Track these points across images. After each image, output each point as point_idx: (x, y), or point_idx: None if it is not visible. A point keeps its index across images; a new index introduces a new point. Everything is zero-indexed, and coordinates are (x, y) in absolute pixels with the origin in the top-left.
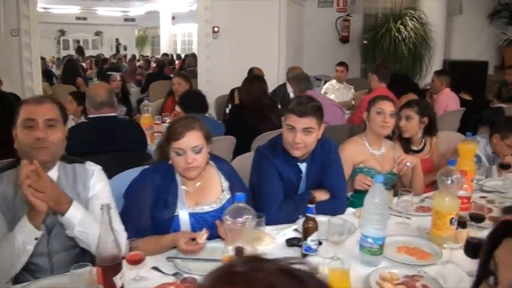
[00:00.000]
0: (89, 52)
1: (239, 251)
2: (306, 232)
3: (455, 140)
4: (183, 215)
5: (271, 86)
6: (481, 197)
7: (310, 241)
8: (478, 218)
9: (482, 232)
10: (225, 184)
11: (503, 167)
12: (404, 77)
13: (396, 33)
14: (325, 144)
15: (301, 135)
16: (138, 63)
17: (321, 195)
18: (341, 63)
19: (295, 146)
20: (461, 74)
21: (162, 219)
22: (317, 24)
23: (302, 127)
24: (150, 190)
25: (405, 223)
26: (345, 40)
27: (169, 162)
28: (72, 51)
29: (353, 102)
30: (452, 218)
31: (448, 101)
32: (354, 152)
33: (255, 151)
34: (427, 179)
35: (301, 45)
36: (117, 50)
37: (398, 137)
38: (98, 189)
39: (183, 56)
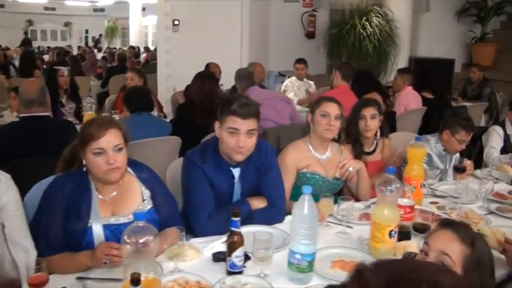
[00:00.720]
0: (57, 43)
1: (135, 279)
2: (230, 247)
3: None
4: (96, 226)
5: (232, 81)
6: (432, 203)
7: (235, 257)
8: (422, 229)
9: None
10: (146, 193)
11: (458, 170)
12: (369, 74)
13: (361, 30)
14: (261, 148)
15: (245, 138)
16: (102, 55)
17: (258, 203)
18: (300, 60)
19: (239, 150)
20: (427, 72)
21: (74, 231)
22: (283, 19)
23: (246, 129)
24: (61, 198)
25: (345, 233)
26: (310, 36)
27: (84, 169)
28: (40, 42)
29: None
30: (392, 230)
31: (409, 100)
32: (297, 157)
33: (184, 156)
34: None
35: (266, 40)
36: (86, 42)
37: (353, 140)
38: (4, 201)
39: (152, 48)
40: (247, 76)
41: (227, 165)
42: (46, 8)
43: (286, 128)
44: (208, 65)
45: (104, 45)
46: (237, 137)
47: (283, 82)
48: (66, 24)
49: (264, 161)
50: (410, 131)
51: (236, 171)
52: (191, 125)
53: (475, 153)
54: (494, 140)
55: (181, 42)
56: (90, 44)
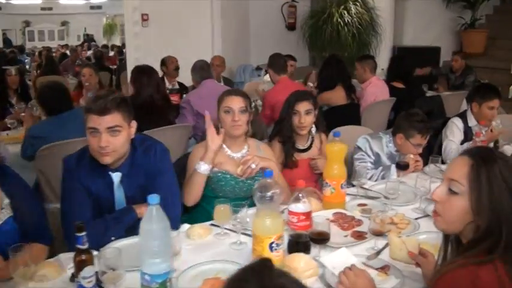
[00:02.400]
0: (55, 43)
1: None
2: (77, 267)
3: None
4: None
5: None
6: (360, 205)
7: (82, 278)
8: (320, 239)
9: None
10: (6, 201)
11: (400, 167)
12: (336, 59)
13: (339, 19)
14: (149, 150)
15: (106, 137)
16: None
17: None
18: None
19: (102, 151)
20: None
21: None
22: (263, 10)
23: (106, 127)
24: None
25: (240, 243)
26: (291, 27)
27: None
28: (37, 42)
29: None
30: (273, 243)
31: (376, 94)
32: None
33: None
34: None
35: (247, 33)
36: (85, 41)
37: (285, 137)
38: None
39: None
40: (201, 68)
41: (105, 169)
42: (43, 8)
43: None
44: (163, 60)
45: (102, 43)
46: (98, 137)
47: (259, 76)
48: (64, 23)
49: (153, 164)
50: (377, 124)
51: (116, 176)
52: None
53: (436, 147)
54: (453, 133)
55: (151, 37)
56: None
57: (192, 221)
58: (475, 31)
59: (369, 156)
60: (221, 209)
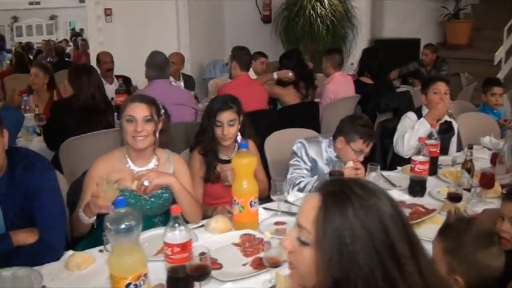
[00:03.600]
0: (43, 38)
1: None
2: None
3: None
4: None
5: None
6: (277, 223)
7: None
8: (198, 276)
9: None
10: None
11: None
12: (296, 52)
13: (311, 11)
14: (28, 167)
15: None
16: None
17: (24, 237)
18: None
19: None
20: (390, 54)
21: None
22: (238, 3)
23: None
24: None
25: None
26: (267, 20)
27: None
28: (25, 38)
29: None
30: (130, 284)
31: (337, 91)
32: (106, 169)
33: None
34: None
35: (221, 26)
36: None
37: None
38: None
39: None
40: (158, 65)
41: None
42: (31, 3)
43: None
44: (98, 56)
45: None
46: None
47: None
48: (52, 17)
49: (30, 182)
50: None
51: None
52: (62, 128)
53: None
54: (404, 126)
55: (115, 33)
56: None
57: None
58: (459, 22)
59: (304, 162)
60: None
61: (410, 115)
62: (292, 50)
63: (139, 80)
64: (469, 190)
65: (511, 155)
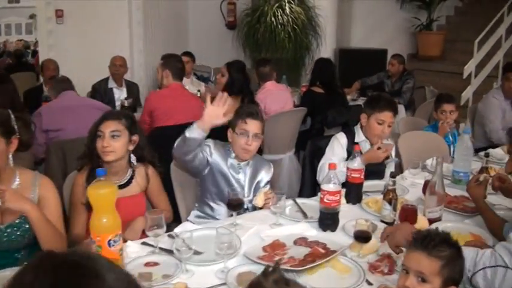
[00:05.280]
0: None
1: None
2: None
3: None
4: None
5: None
6: (147, 265)
7: None
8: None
9: None
10: None
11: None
12: (238, 63)
13: (272, 18)
14: None
15: None
16: None
17: None
18: (185, 53)
19: None
20: (356, 65)
21: None
22: (202, 8)
23: None
24: None
25: None
26: (231, 26)
27: None
28: (3, 37)
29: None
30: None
31: (265, 100)
32: None
33: None
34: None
35: (185, 33)
36: None
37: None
38: None
39: None
40: (61, 81)
41: None
42: (10, 1)
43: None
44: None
45: None
46: None
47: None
48: (32, 16)
49: None
50: (282, 136)
51: None
52: None
53: None
54: (332, 150)
55: (67, 35)
56: None
57: None
58: (431, 33)
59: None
60: None
61: (340, 137)
62: (237, 63)
63: (89, 83)
64: (391, 224)
65: (442, 184)
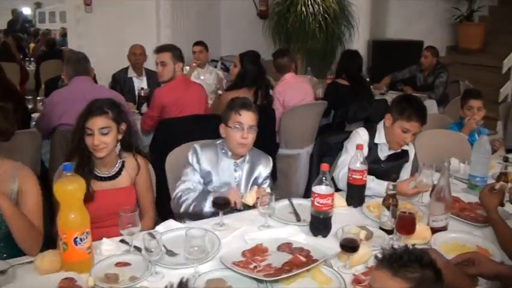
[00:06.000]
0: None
1: None
2: None
3: None
4: None
5: (149, 65)
6: (118, 264)
7: None
8: None
9: None
10: None
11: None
12: (252, 52)
13: (303, 7)
14: None
15: None
16: None
17: None
18: (198, 43)
19: None
20: (390, 57)
21: None
22: None
23: None
24: None
25: None
26: (263, 15)
27: None
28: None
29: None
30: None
31: (283, 93)
32: None
33: None
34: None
35: (217, 21)
36: None
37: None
38: None
39: None
40: (77, 61)
41: None
42: None
43: None
44: None
45: None
46: None
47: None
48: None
49: None
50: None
51: None
52: None
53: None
54: (354, 146)
55: (95, 23)
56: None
57: None
58: (472, 24)
59: (196, 171)
60: None
61: (362, 132)
62: (251, 53)
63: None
64: (390, 232)
65: (449, 189)
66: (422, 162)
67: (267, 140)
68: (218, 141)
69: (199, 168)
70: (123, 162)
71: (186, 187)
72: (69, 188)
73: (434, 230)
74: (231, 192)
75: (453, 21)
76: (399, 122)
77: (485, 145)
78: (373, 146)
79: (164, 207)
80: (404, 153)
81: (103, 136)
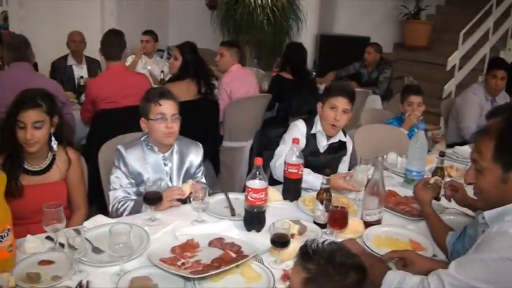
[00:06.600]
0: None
1: None
2: None
3: None
4: None
5: (92, 53)
6: (42, 263)
7: None
8: None
9: None
10: None
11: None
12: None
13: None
14: None
15: None
16: None
17: None
18: (147, 32)
19: None
20: (336, 52)
21: None
22: None
23: None
24: None
25: None
26: (212, 6)
27: None
28: None
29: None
30: None
31: (230, 84)
32: None
33: None
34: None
35: (165, 11)
36: None
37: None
38: None
39: None
40: (17, 47)
41: None
42: None
43: None
44: None
45: None
46: None
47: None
48: None
49: None
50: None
51: None
52: None
53: None
54: (291, 137)
55: (37, 8)
56: None
57: None
58: (419, 22)
59: (125, 174)
60: None
61: (300, 125)
62: (187, 44)
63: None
64: (324, 226)
65: (383, 184)
66: (360, 157)
67: (209, 132)
68: (142, 138)
69: (127, 170)
70: (54, 155)
71: (121, 196)
72: None
73: (367, 224)
74: (165, 191)
75: (400, 19)
76: (327, 102)
77: (421, 140)
78: (310, 137)
79: (104, 201)
80: (342, 145)
81: (36, 130)
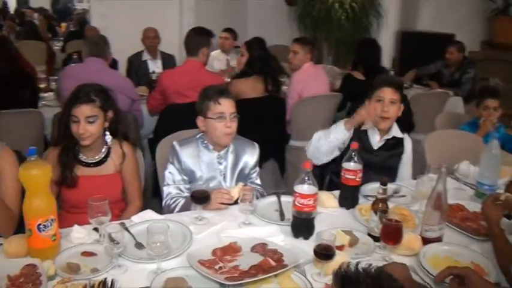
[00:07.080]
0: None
1: None
2: None
3: None
4: None
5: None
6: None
7: None
8: None
9: None
10: None
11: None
12: (258, 40)
13: None
14: None
15: None
16: None
17: None
18: (226, 29)
19: None
20: (417, 50)
21: None
22: None
23: None
24: None
25: None
26: (291, 2)
27: None
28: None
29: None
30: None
31: (302, 82)
32: None
33: None
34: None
35: (244, 7)
36: None
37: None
38: None
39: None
40: (95, 43)
41: None
42: None
43: None
44: None
45: None
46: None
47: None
48: None
49: None
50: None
51: None
52: None
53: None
54: (336, 126)
55: (116, 5)
56: None
57: None
58: (508, 18)
59: (178, 170)
60: None
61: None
62: (258, 40)
63: None
64: (378, 239)
65: (445, 197)
66: (429, 165)
67: (275, 130)
68: (197, 135)
69: (180, 167)
70: (109, 149)
71: (174, 192)
72: (32, 173)
73: (426, 241)
74: (214, 192)
75: (488, 15)
76: (373, 96)
77: (495, 149)
78: (361, 134)
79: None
80: (399, 142)
81: (89, 125)
